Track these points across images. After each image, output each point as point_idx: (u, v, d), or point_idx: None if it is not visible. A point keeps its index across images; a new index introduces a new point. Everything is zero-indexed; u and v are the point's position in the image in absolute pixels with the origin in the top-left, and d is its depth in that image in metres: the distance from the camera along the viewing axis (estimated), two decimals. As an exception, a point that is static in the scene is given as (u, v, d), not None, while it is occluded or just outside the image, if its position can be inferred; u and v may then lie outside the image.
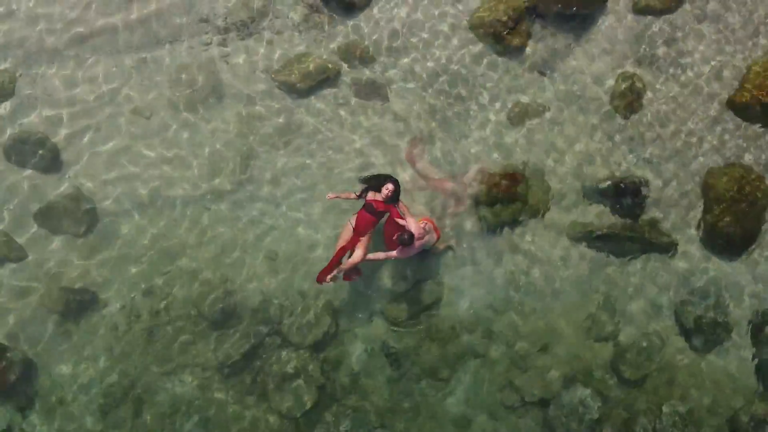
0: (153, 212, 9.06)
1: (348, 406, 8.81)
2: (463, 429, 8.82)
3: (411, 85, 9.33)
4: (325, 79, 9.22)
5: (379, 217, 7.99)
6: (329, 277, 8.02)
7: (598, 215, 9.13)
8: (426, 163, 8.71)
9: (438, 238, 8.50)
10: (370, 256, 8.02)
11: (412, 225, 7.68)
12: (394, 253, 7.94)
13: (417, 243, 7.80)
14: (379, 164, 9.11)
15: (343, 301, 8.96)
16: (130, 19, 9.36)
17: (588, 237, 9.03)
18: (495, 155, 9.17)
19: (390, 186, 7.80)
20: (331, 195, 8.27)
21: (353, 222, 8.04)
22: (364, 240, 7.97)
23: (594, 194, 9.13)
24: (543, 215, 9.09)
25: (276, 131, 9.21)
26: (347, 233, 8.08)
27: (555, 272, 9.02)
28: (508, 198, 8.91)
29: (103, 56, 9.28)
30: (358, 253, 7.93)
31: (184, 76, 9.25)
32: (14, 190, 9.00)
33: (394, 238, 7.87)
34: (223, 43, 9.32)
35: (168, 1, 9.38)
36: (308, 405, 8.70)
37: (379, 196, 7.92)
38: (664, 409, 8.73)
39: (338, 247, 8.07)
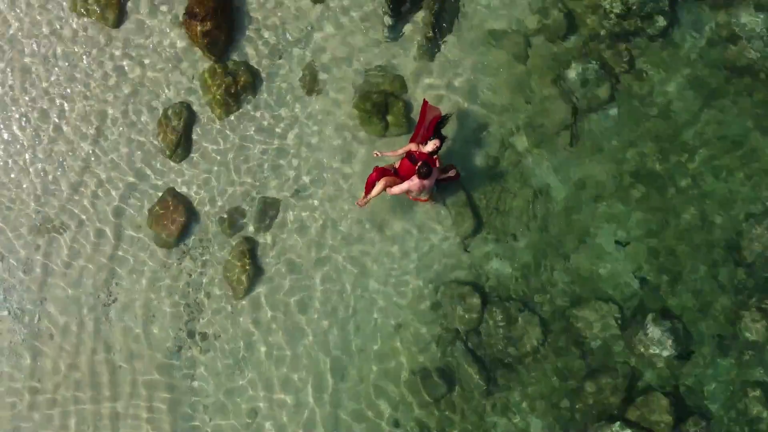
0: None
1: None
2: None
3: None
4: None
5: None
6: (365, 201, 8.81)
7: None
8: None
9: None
10: (392, 190, 8.60)
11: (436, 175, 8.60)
12: (416, 182, 8.41)
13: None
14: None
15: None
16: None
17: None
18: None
19: (437, 142, 8.52)
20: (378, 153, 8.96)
21: (397, 165, 8.81)
22: (392, 181, 8.65)
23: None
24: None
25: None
26: (386, 172, 8.79)
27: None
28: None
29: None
30: (380, 186, 8.58)
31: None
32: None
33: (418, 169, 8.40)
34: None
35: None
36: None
37: (423, 148, 8.59)
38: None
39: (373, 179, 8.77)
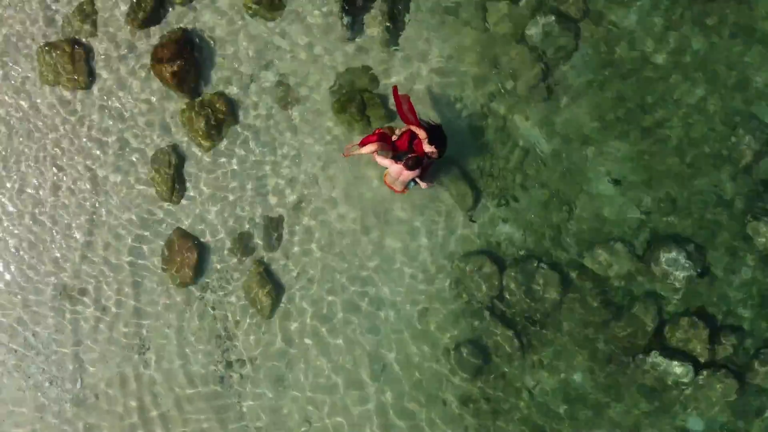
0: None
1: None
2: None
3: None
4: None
5: (410, 151, 8.73)
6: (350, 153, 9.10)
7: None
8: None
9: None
10: (377, 158, 8.81)
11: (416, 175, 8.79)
12: (398, 167, 8.62)
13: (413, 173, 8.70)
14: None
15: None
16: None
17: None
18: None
19: (436, 153, 8.56)
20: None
21: (397, 133, 8.91)
22: (383, 148, 8.74)
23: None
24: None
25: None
26: (386, 139, 8.88)
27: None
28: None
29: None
30: (370, 148, 8.73)
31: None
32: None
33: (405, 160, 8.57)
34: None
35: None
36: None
37: (425, 145, 8.58)
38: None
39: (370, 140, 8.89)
